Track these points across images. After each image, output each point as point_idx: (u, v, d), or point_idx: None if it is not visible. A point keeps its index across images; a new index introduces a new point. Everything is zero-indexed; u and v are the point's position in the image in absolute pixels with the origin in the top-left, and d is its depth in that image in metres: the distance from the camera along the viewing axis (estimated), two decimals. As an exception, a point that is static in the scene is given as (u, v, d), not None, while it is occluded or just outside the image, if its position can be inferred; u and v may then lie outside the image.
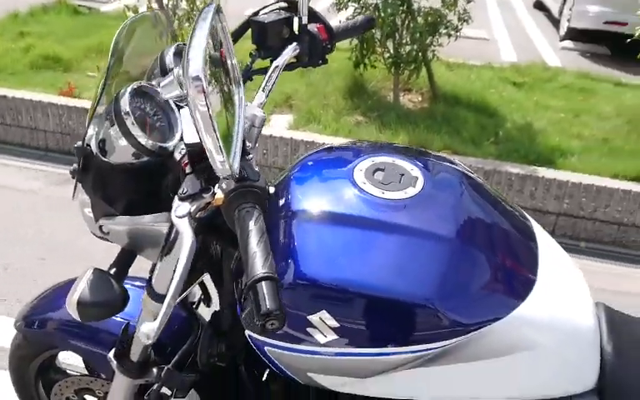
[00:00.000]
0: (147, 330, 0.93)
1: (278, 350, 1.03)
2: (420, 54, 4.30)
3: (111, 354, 1.34)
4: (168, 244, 1.00)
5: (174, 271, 0.91)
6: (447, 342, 0.96)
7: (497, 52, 6.56)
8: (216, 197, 0.90)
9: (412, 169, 1.11)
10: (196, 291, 1.41)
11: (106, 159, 1.08)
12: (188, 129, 1.01)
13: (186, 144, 1.01)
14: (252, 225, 0.85)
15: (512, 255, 1.08)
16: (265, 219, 0.89)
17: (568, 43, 7.12)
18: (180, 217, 0.93)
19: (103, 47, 5.08)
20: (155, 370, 1.32)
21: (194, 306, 1.51)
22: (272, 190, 1.04)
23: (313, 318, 0.96)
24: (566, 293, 1.07)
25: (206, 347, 1.18)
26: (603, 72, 5.86)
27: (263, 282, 0.79)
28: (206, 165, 0.94)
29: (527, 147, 3.86)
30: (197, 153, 0.98)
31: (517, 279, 1.04)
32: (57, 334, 1.52)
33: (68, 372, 1.67)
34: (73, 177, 1.12)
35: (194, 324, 1.44)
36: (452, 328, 0.96)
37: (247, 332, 1.05)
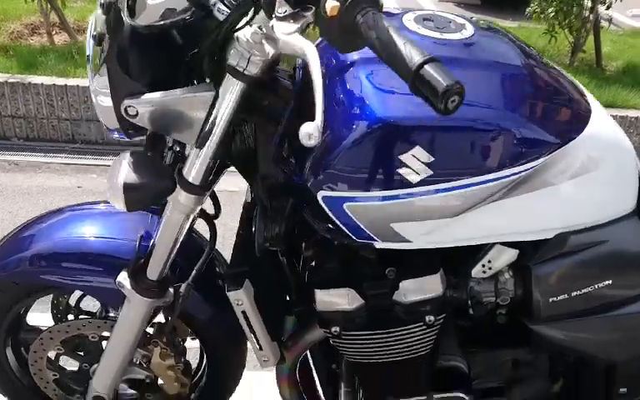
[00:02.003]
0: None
1: (361, 203, 0.98)
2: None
3: (122, 276, 1.21)
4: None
5: (216, 121, 0.93)
6: (536, 162, 1.01)
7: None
8: (330, 6, 0.81)
9: (457, 18, 1.11)
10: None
11: (134, 23, 0.95)
12: None
13: None
14: (386, 23, 0.79)
15: (570, 85, 1.17)
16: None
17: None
18: (288, 34, 0.85)
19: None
20: (172, 290, 1.22)
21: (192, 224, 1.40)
22: None
23: (406, 157, 0.95)
24: (613, 125, 1.15)
25: (262, 230, 1.08)
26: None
27: (428, 65, 0.74)
28: None
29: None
30: None
31: (580, 106, 1.13)
32: (41, 272, 1.33)
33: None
34: (99, 44, 0.97)
35: (202, 243, 1.34)
36: (538, 148, 1.02)
37: (323, 195, 0.98)
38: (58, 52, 4.22)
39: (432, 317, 1.12)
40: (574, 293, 1.12)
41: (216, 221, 1.30)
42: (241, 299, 1.13)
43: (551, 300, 1.13)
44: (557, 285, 1.12)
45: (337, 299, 1.11)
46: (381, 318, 1.13)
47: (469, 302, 1.19)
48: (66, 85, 3.67)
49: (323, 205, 1.01)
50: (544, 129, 1.03)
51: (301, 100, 1.05)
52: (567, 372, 1.32)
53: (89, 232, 1.37)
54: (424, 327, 1.13)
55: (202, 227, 1.35)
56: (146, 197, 1.04)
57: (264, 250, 1.12)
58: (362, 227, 1.02)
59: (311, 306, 1.25)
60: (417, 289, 1.09)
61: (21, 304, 1.46)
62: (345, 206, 1.00)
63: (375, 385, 1.24)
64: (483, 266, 1.15)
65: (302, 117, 1.04)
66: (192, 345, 1.62)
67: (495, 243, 1.12)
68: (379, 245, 1.07)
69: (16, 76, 3.74)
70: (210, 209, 1.30)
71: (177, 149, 1.14)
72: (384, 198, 0.98)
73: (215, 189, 1.26)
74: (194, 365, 1.70)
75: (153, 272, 1.25)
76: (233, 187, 1.46)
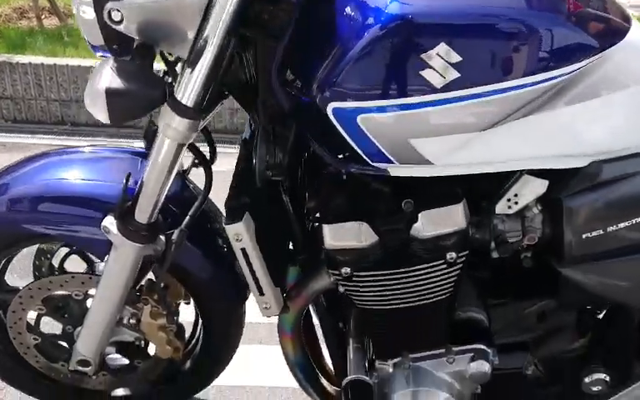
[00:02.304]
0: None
1: (377, 115, 0.87)
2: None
3: (108, 221, 1.09)
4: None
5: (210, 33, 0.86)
6: (573, 66, 0.91)
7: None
8: None
9: None
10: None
11: None
12: None
13: None
14: None
15: None
16: None
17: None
18: None
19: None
20: (163, 238, 1.10)
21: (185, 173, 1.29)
22: None
23: (430, 56, 0.83)
24: None
25: (263, 159, 0.97)
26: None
27: None
28: None
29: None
30: None
31: (620, 14, 1.03)
32: (21, 219, 1.21)
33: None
34: None
35: (197, 192, 1.22)
36: (576, 52, 0.91)
37: (334, 107, 0.87)
38: (47, 34, 4.10)
39: (453, 254, 1.01)
40: (610, 229, 1.01)
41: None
42: (240, 234, 1.01)
43: (584, 236, 1.02)
44: (591, 220, 1.01)
45: (347, 235, 1.00)
46: (397, 257, 1.02)
47: (492, 243, 1.07)
48: (55, 64, 3.54)
49: (334, 120, 0.90)
50: (583, 31, 0.92)
51: (305, 12, 0.94)
52: (597, 326, 1.21)
53: (73, 175, 1.25)
54: (445, 265, 1.02)
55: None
56: (132, 107, 0.92)
57: (266, 181, 1.00)
58: (377, 144, 0.90)
59: (316, 252, 1.14)
60: (437, 221, 0.98)
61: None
62: (359, 119, 0.88)
63: (388, 337, 1.12)
64: (509, 200, 1.04)
65: (305, 31, 0.93)
66: (188, 320, 1.51)
67: (522, 173, 1.02)
68: (395, 171, 0.95)
69: (2, 55, 3.61)
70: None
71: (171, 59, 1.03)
72: (403, 107, 0.87)
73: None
74: (188, 333, 1.58)
75: (142, 214, 1.13)
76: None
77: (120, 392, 1.59)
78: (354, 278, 1.03)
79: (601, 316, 1.23)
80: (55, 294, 1.37)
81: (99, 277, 1.30)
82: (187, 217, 1.16)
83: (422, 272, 1.02)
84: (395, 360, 1.15)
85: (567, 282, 1.08)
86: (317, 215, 1.02)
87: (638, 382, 1.22)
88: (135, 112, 0.93)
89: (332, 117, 0.90)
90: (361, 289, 1.05)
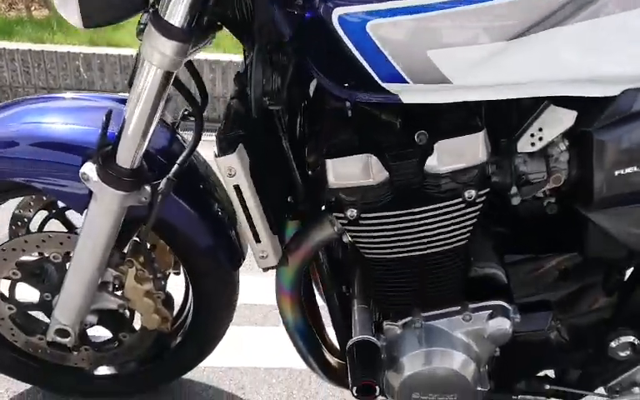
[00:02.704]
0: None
1: (390, 20, 0.76)
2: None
3: (87, 167, 0.98)
4: None
5: None
6: None
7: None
8: None
9: None
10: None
11: None
12: None
13: None
14: None
15: None
16: None
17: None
18: None
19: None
20: (149, 188, 0.99)
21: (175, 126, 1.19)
22: None
23: None
24: None
25: (260, 82, 0.86)
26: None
27: None
28: None
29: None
30: None
31: None
32: None
33: None
34: None
35: (184, 144, 1.12)
36: None
37: (340, 14, 0.77)
38: (37, 23, 3.99)
39: (472, 192, 0.90)
40: None
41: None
42: (233, 167, 0.89)
43: (616, 174, 0.91)
44: (624, 156, 0.91)
45: (354, 171, 0.89)
46: (409, 195, 0.91)
47: (513, 187, 0.97)
48: (43, 51, 3.43)
49: (340, 31, 0.79)
50: None
51: None
52: (624, 285, 1.11)
53: (51, 120, 1.14)
54: (463, 205, 0.91)
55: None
56: (107, 8, 0.81)
57: (262, 111, 0.90)
58: (389, 59, 0.80)
59: (317, 203, 1.03)
60: (455, 153, 0.88)
61: None
62: (369, 27, 0.78)
63: (397, 292, 1.01)
64: (532, 135, 0.94)
65: None
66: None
67: (548, 103, 0.91)
68: (409, 95, 0.85)
69: (-11, 41, 3.50)
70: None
71: None
72: (420, 9, 0.76)
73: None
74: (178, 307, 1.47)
75: (125, 157, 1.02)
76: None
77: (104, 370, 1.47)
78: (361, 221, 0.92)
79: (628, 274, 1.13)
80: (31, 258, 1.26)
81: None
82: (176, 165, 1.06)
83: (437, 212, 0.91)
84: (405, 320, 1.04)
85: (594, 231, 0.97)
86: (320, 151, 0.91)
87: (669, 348, 1.12)
88: (111, 14, 0.82)
89: (338, 28, 0.79)
90: (368, 234, 0.94)
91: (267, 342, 1.73)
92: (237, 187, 0.91)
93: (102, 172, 1.02)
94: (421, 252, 0.95)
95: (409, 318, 1.03)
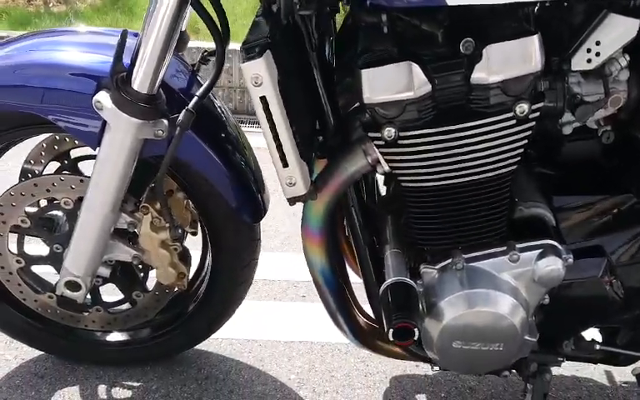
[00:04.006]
0: None
1: None
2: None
3: (101, 95, 0.92)
4: None
5: None
6: None
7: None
8: None
9: None
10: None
11: None
12: None
13: None
14: None
15: None
16: None
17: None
18: None
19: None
20: (166, 122, 0.92)
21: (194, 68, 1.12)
22: None
23: None
24: None
25: None
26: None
27: None
28: None
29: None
30: None
31: None
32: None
33: None
34: None
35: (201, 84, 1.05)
36: None
37: None
38: (54, 15, 3.99)
39: (524, 107, 0.81)
40: None
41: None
42: (260, 75, 0.81)
43: None
44: None
45: (394, 81, 0.81)
46: (454, 111, 0.82)
47: (565, 113, 0.88)
48: (61, 40, 3.42)
49: None
50: None
51: None
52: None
53: (63, 49, 1.06)
54: (514, 121, 0.82)
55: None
56: None
57: (292, 18, 0.82)
58: None
59: (347, 134, 0.94)
60: (506, 60, 0.79)
61: None
62: None
63: (437, 228, 0.92)
64: (588, 51, 0.84)
65: None
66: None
67: (607, 12, 0.82)
68: None
69: (4, 31, 3.48)
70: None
71: None
72: None
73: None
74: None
75: (141, 80, 0.95)
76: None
77: (116, 336, 1.39)
78: (400, 142, 0.84)
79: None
80: (41, 205, 1.18)
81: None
82: (195, 97, 0.98)
83: (485, 130, 0.82)
84: (443, 263, 0.95)
85: None
86: (354, 62, 0.83)
87: None
88: None
89: None
90: (407, 157, 0.85)
91: (286, 317, 1.64)
92: (263, 99, 0.83)
93: (117, 97, 0.95)
94: (465, 179, 0.86)
95: (448, 260, 0.94)
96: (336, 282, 1.06)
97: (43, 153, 1.24)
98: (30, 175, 1.26)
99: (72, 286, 1.16)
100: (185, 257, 1.23)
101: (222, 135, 1.18)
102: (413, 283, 0.92)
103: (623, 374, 1.43)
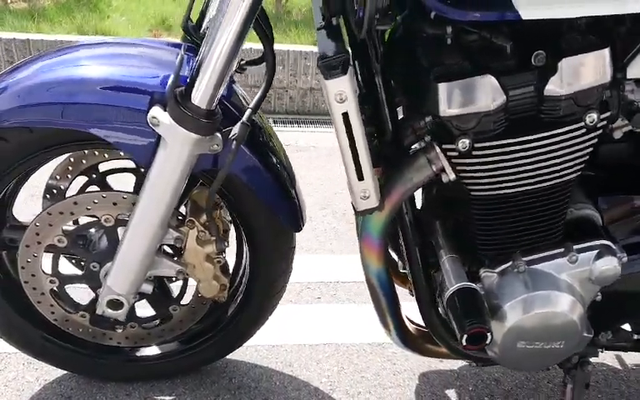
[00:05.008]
0: None
1: None
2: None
3: (155, 111, 0.90)
4: None
5: None
6: None
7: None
8: None
9: None
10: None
11: None
12: None
13: None
14: None
15: None
16: None
17: None
18: None
19: None
20: (219, 135, 0.92)
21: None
22: None
23: None
24: None
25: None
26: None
27: None
28: None
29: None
30: None
31: None
32: (52, 113, 0.99)
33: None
34: None
35: (241, 92, 1.04)
36: None
37: None
38: (16, 13, 3.81)
39: (594, 116, 0.85)
40: None
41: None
42: (344, 91, 0.81)
43: None
44: None
45: (470, 95, 0.83)
46: (526, 122, 0.85)
47: (619, 118, 0.92)
48: (28, 39, 3.26)
49: None
50: None
51: None
52: None
53: (109, 64, 1.03)
54: (583, 130, 0.86)
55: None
56: None
57: (369, 33, 0.82)
58: None
59: (402, 143, 0.96)
60: (579, 73, 0.82)
61: (21, 167, 1.09)
62: None
63: (501, 234, 0.95)
64: None
65: None
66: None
67: None
68: (530, 10, 0.79)
69: (-34, 29, 3.31)
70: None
71: None
72: None
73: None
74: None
75: (202, 95, 0.93)
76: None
77: (146, 351, 1.36)
78: (474, 153, 0.86)
79: None
80: (78, 223, 1.15)
81: (136, 195, 1.09)
82: (249, 109, 0.98)
83: (556, 140, 0.86)
84: (503, 266, 0.98)
85: None
86: (430, 76, 0.84)
87: None
88: None
89: None
90: (479, 167, 0.88)
91: (305, 320, 1.65)
92: (345, 115, 0.83)
93: (176, 113, 0.93)
94: (534, 186, 0.89)
95: (508, 264, 0.97)
96: (389, 285, 1.08)
97: (70, 168, 1.20)
98: (55, 191, 1.22)
99: (115, 305, 1.13)
100: (225, 268, 1.22)
101: (264, 143, 1.17)
102: (479, 288, 0.95)
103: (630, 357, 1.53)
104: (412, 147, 0.95)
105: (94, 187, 1.21)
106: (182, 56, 0.95)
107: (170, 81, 0.94)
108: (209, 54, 0.91)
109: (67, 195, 1.22)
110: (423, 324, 1.13)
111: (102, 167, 1.23)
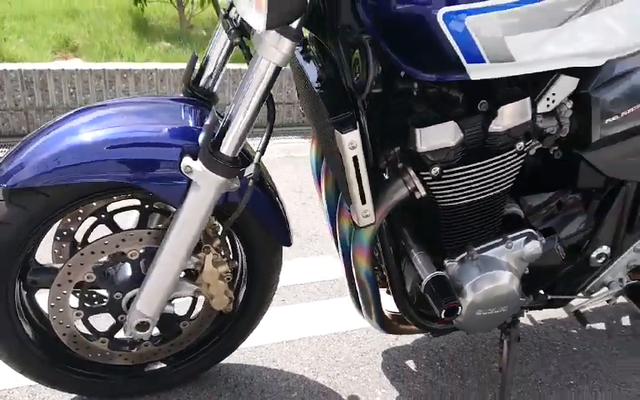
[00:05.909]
0: None
1: (484, 15, 1.01)
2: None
3: (187, 161, 1.12)
4: None
5: None
6: None
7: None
8: None
9: None
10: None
11: None
12: None
13: None
14: None
15: None
16: None
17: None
18: None
19: None
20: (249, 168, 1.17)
21: None
22: None
23: None
24: None
25: (373, 68, 1.06)
26: None
27: None
28: None
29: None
30: None
31: None
32: (82, 171, 1.16)
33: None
34: None
35: None
36: None
37: (446, 12, 1.01)
38: None
39: (522, 144, 1.19)
40: (624, 113, 1.27)
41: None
42: (355, 141, 1.09)
43: (606, 122, 1.26)
44: (610, 107, 1.26)
45: (440, 136, 1.13)
46: (477, 151, 1.17)
47: (533, 139, 1.28)
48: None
49: (443, 26, 1.03)
50: None
51: None
52: (600, 210, 1.47)
53: (137, 120, 1.22)
54: (515, 154, 1.20)
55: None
56: (292, 5, 0.97)
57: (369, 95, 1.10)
58: (477, 44, 1.05)
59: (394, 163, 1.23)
60: (511, 115, 1.16)
61: (58, 216, 1.24)
62: (467, 21, 1.02)
63: (461, 233, 1.28)
64: (547, 99, 1.25)
65: None
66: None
67: (559, 74, 1.23)
68: (479, 72, 1.10)
69: None
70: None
71: None
72: (507, 6, 1.03)
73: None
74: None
75: (230, 146, 1.16)
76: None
77: (152, 365, 1.53)
78: (442, 177, 1.17)
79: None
80: (105, 261, 1.30)
81: (157, 229, 1.28)
82: (258, 153, 1.21)
83: (498, 163, 1.19)
84: (461, 255, 1.30)
85: (587, 167, 1.32)
86: (409, 122, 1.14)
87: (626, 251, 1.52)
88: (293, 11, 0.98)
89: (441, 23, 1.03)
90: (447, 186, 1.19)
91: (278, 320, 1.89)
92: (354, 158, 1.10)
93: (209, 161, 1.14)
94: (485, 196, 1.22)
95: (464, 254, 1.30)
96: (374, 282, 1.36)
97: (82, 211, 1.35)
98: (65, 233, 1.36)
99: (142, 326, 1.30)
100: (232, 283, 1.43)
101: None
102: (446, 275, 1.27)
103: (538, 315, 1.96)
104: (386, 173, 1.25)
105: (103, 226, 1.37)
106: (214, 114, 1.17)
107: (203, 135, 1.15)
108: (237, 113, 1.13)
109: (75, 237, 1.37)
110: (397, 310, 1.43)
111: (109, 208, 1.39)
